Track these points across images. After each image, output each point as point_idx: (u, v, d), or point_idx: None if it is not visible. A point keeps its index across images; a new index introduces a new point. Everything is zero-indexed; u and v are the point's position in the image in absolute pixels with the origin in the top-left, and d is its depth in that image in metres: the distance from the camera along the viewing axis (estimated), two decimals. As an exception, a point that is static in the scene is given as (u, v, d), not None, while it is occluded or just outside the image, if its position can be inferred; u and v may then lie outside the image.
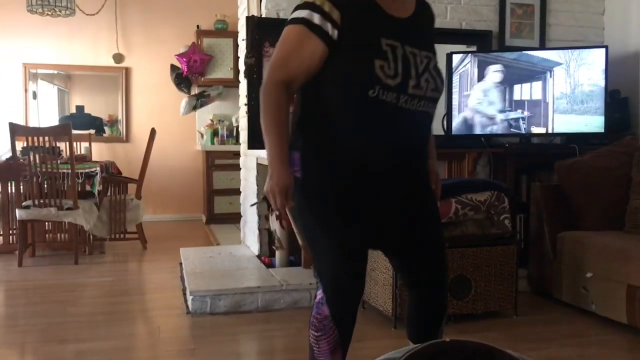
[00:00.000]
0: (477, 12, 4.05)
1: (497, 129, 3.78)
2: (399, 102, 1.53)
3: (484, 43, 4.00)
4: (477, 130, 3.77)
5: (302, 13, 1.56)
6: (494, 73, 3.77)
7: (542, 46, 4.09)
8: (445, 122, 3.80)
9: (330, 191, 1.62)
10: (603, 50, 3.70)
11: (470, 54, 3.80)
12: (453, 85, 3.77)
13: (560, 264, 3.27)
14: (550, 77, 3.74)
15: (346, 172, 1.60)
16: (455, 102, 3.76)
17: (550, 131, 3.77)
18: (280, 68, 1.58)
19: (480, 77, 3.76)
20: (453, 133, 3.77)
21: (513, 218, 3.13)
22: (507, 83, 3.76)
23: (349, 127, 1.58)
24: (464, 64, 3.78)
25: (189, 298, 3.23)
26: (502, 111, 3.77)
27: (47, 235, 5.00)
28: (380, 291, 3.02)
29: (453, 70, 3.76)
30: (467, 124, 3.78)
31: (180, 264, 4.12)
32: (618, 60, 3.94)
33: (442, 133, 3.79)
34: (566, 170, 3.40)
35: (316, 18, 1.54)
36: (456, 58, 3.77)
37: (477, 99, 3.76)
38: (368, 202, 1.63)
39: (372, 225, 1.66)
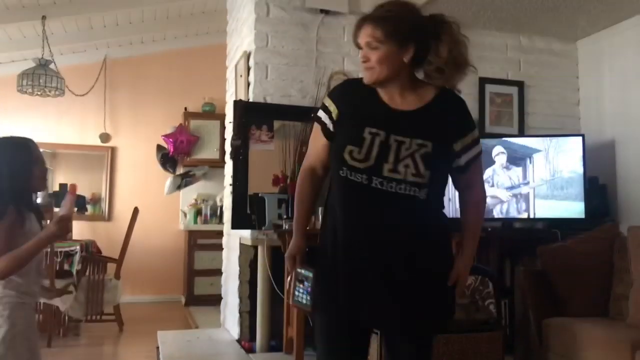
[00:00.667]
0: (457, 100, 4.19)
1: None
2: (372, 183, 1.69)
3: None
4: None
5: (319, 112, 1.86)
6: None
7: (522, 133, 4.21)
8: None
9: (322, 261, 1.80)
10: (580, 138, 3.82)
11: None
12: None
13: (547, 352, 3.21)
14: (530, 163, 3.83)
15: (332, 243, 1.77)
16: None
17: (532, 216, 3.81)
18: (306, 158, 1.93)
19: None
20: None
21: (498, 303, 3.10)
22: (485, 167, 3.84)
23: (333, 204, 1.80)
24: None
25: (165, 385, 3.10)
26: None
27: (20, 316, 4.84)
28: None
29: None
30: (454, 208, 3.81)
31: (157, 347, 3.98)
32: (595, 147, 4.06)
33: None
34: (549, 256, 3.41)
35: (322, 114, 1.84)
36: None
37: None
38: (348, 277, 1.73)
39: (352, 302, 1.73)
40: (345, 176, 1.72)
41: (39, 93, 5.44)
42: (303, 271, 1.81)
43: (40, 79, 5.28)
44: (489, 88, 4.25)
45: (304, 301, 1.79)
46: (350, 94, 1.83)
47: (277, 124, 3.87)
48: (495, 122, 4.23)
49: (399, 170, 1.68)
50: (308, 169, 1.90)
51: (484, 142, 3.91)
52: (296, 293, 1.81)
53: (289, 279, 1.86)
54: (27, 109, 6.36)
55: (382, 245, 1.70)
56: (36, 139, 7.01)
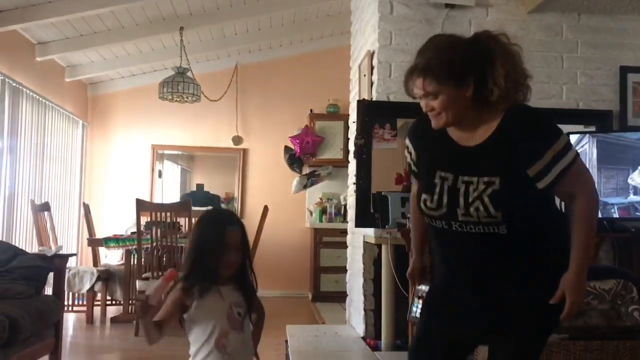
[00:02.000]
0: (595, 92, 3.93)
1: (621, 212, 3.54)
2: (452, 227, 1.71)
3: (604, 123, 3.83)
4: (599, 214, 3.55)
5: (405, 149, 1.92)
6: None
7: (670, 125, 3.85)
8: (563, 204, 3.62)
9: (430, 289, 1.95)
10: None
11: (588, 134, 3.65)
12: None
13: (702, 365, 2.91)
14: (680, 158, 3.49)
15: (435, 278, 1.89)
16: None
17: (682, 215, 3.47)
18: (413, 184, 1.99)
19: (600, 157, 3.58)
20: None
21: (643, 310, 2.86)
22: (631, 164, 3.55)
23: (431, 243, 1.90)
24: (582, 145, 3.63)
25: (293, 377, 3.20)
26: (625, 194, 3.54)
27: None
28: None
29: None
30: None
31: (286, 341, 4.11)
32: None
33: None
34: None
35: (407, 155, 1.90)
36: (573, 138, 3.63)
37: (597, 181, 3.57)
38: (442, 307, 1.83)
39: (448, 329, 1.82)
40: (430, 224, 1.79)
41: (177, 99, 5.84)
42: (423, 287, 1.90)
43: (179, 86, 5.67)
44: (632, 77, 3.92)
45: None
46: (423, 133, 1.82)
47: (400, 122, 3.84)
48: (638, 114, 3.90)
49: (471, 213, 1.65)
50: (415, 205, 1.96)
51: (624, 135, 3.66)
52: (414, 309, 1.89)
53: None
54: (167, 114, 6.86)
55: (470, 279, 1.76)
56: (175, 142, 7.55)
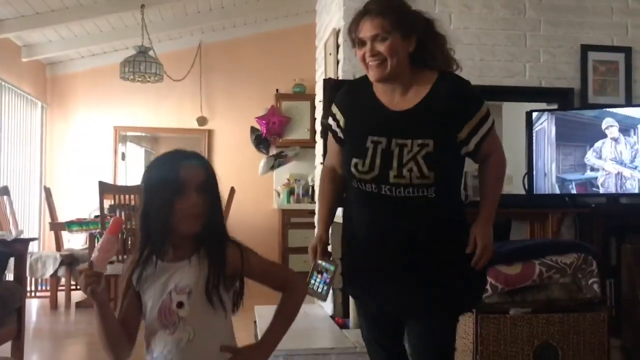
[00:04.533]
0: (557, 69, 3.98)
1: (579, 188, 3.63)
2: (381, 191, 1.75)
3: (565, 101, 3.90)
4: (557, 190, 3.63)
5: (329, 118, 1.95)
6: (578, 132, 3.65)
7: (629, 103, 3.94)
8: (526, 182, 3.69)
9: (345, 255, 1.99)
10: (696, 106, 3.52)
11: (547, 112, 3.71)
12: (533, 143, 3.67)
13: (658, 335, 3.02)
14: (635, 134, 3.58)
15: (353, 240, 1.92)
16: (540, 162, 3.66)
17: (637, 191, 3.57)
18: (326, 159, 2.05)
19: (559, 135, 3.65)
20: (535, 193, 3.65)
21: (602, 282, 2.94)
22: (588, 141, 3.63)
23: (350, 207, 1.93)
24: (541, 122, 3.69)
25: (262, 357, 3.20)
26: (583, 170, 3.62)
27: (128, 290, 5.16)
28: (459, 357, 2.88)
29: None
30: (550, 183, 3.65)
31: (255, 322, 4.12)
32: None
33: (524, 192, 3.67)
34: (660, 233, 3.19)
35: (332, 122, 1.93)
36: (533, 116, 3.69)
37: (555, 158, 3.64)
38: (367, 275, 1.87)
39: (377, 295, 1.87)
40: (357, 187, 1.81)
41: (139, 79, 5.72)
42: (324, 263, 1.88)
43: (141, 65, 5.55)
44: (592, 56, 3.98)
45: (320, 290, 1.85)
46: (353, 100, 1.89)
47: (367, 101, 3.84)
48: (599, 92, 3.97)
49: (404, 175, 1.71)
50: (329, 169, 2.01)
51: (582, 113, 3.73)
52: (312, 282, 1.87)
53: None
54: (128, 95, 6.72)
55: (396, 244, 1.78)
56: (138, 123, 7.42)
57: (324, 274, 1.86)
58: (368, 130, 1.79)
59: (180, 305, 1.41)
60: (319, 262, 1.91)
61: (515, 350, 2.74)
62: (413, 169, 1.71)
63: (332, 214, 2.04)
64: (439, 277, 1.79)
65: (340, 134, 1.90)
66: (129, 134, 6.98)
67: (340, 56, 3.92)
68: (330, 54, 4.11)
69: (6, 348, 3.24)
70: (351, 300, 3.65)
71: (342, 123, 1.89)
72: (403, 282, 1.81)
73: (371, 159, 1.75)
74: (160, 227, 1.41)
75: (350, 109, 1.88)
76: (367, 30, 1.74)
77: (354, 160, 1.78)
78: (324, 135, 3.88)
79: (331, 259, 1.93)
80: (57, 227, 5.50)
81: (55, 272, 5.09)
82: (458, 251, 1.81)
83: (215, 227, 1.50)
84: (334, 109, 1.91)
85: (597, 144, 3.63)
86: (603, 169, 3.62)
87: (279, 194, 6.95)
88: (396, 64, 1.74)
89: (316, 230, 2.03)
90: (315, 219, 4.82)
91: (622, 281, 3.31)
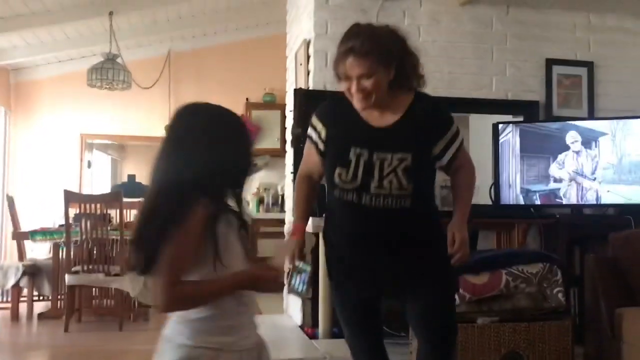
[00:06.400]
0: (523, 82, 4.07)
1: (543, 199, 3.70)
2: (362, 200, 1.87)
3: (531, 113, 3.98)
4: (521, 200, 3.70)
5: (309, 129, 2.03)
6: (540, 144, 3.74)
7: (591, 116, 4.04)
8: (492, 192, 3.75)
9: (329, 254, 2.15)
10: (653, 120, 3.63)
11: (511, 124, 3.79)
12: (500, 155, 3.74)
13: (620, 342, 3.08)
14: (596, 147, 3.68)
15: (337, 240, 2.05)
16: (505, 173, 3.72)
17: (599, 201, 3.66)
18: (303, 164, 2.11)
19: (523, 146, 3.73)
20: (501, 203, 3.71)
21: (567, 291, 3.00)
22: (552, 153, 3.71)
23: (331, 217, 2.05)
24: (506, 134, 3.76)
25: (231, 368, 3.17)
26: (546, 181, 3.70)
27: (93, 301, 5.06)
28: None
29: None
30: (515, 194, 3.72)
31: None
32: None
33: (490, 203, 3.73)
34: (622, 243, 3.27)
35: (312, 134, 2.01)
36: (499, 128, 3.76)
37: (520, 169, 3.71)
38: (353, 269, 2.02)
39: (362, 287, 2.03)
40: (339, 197, 1.92)
41: (107, 87, 5.64)
42: (301, 264, 2.00)
43: (108, 73, 5.47)
44: (557, 69, 4.09)
45: (301, 290, 1.99)
46: (335, 114, 1.99)
47: (337, 111, 3.85)
48: (563, 105, 4.08)
49: (384, 186, 1.85)
50: (305, 175, 2.10)
51: (545, 125, 3.82)
52: (293, 282, 2.00)
53: (288, 270, 2.01)
54: (96, 102, 6.61)
55: (376, 246, 1.93)
56: (105, 131, 7.28)
57: (302, 274, 1.99)
58: (351, 142, 1.89)
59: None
60: (297, 264, 2.03)
61: (482, 359, 2.77)
62: (393, 180, 1.85)
63: (307, 218, 2.15)
64: (420, 262, 1.96)
65: (320, 146, 1.99)
66: (95, 141, 6.86)
67: (311, 67, 3.94)
68: (301, 64, 4.13)
69: (-35, 361, 3.13)
70: (320, 309, 3.65)
71: (323, 135, 1.98)
72: (393, 269, 1.96)
73: (354, 170, 1.87)
74: (245, 170, 1.47)
75: (333, 122, 1.98)
76: (353, 69, 1.83)
77: (338, 170, 1.89)
78: (295, 145, 3.88)
79: (305, 260, 2.06)
80: (20, 237, 5.36)
81: (17, 282, 4.95)
82: (434, 252, 1.96)
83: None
84: (315, 121, 2.01)
85: (560, 156, 3.71)
86: (565, 180, 3.71)
87: (248, 203, 6.91)
88: (380, 95, 1.86)
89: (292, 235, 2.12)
90: (285, 228, 4.82)
91: (585, 290, 3.38)
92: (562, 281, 2.94)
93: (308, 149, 2.06)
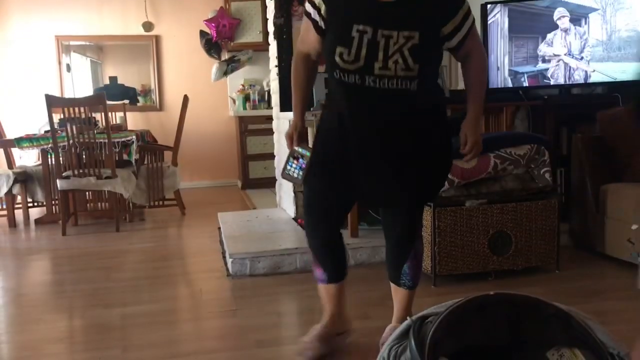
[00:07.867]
0: (512, -41, 3.89)
1: (531, 81, 3.67)
2: (365, 82, 1.75)
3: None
4: (509, 83, 3.67)
5: (307, 5, 1.89)
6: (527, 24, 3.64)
7: (581, -8, 3.91)
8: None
9: (320, 131, 2.03)
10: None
11: (500, 4, 3.67)
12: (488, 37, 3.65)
13: (604, 217, 3.19)
14: (585, 24, 3.60)
15: (325, 133, 1.99)
16: (493, 55, 3.66)
17: (587, 81, 3.64)
18: (300, 43, 1.99)
19: (511, 27, 3.64)
20: (489, 87, 3.67)
21: (554, 171, 3.06)
22: (541, 32, 3.63)
23: (332, 96, 1.94)
24: (494, 14, 3.66)
25: (229, 261, 3.28)
26: (535, 62, 3.65)
27: (88, 205, 5.12)
28: (418, 249, 3.00)
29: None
30: (503, 77, 3.68)
31: (219, 228, 4.17)
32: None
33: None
34: (609, 121, 3.29)
35: (311, 10, 1.87)
36: (489, 8, 3.65)
37: (508, 50, 3.65)
38: (342, 165, 1.91)
39: (349, 185, 1.95)
40: (340, 78, 1.80)
41: (77, -16, 5.36)
42: (300, 149, 1.96)
43: (77, -32, 5.18)
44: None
45: (296, 175, 1.96)
46: None
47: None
48: (553, -18, 3.93)
49: (389, 66, 1.73)
50: (303, 55, 1.99)
51: (535, 4, 3.70)
52: (288, 167, 1.97)
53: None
54: (67, 2, 6.32)
55: (376, 134, 1.85)
56: (80, 32, 7.02)
57: (300, 160, 1.94)
58: (354, 18, 1.75)
59: None
60: (295, 148, 1.98)
61: (471, 240, 2.87)
62: (399, 60, 1.72)
63: (307, 100, 2.06)
64: (413, 165, 1.89)
65: (321, 23, 1.85)
66: (72, 43, 6.63)
67: (290, -49, 3.73)
68: (279, -51, 3.91)
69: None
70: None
71: (323, 11, 1.83)
72: (380, 173, 1.90)
73: (357, 49, 1.74)
74: None
75: None
76: None
77: (339, 49, 1.76)
78: (278, 36, 3.77)
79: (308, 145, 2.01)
80: (6, 144, 5.31)
81: (10, 190, 4.97)
82: (434, 139, 1.92)
83: None
84: (317, 1, 1.85)
85: (549, 35, 3.64)
86: (553, 60, 3.66)
87: (234, 101, 6.83)
88: None
89: (293, 118, 2.06)
90: (274, 124, 4.80)
91: (572, 169, 3.45)
92: (549, 161, 2.98)
93: (306, 28, 1.92)
